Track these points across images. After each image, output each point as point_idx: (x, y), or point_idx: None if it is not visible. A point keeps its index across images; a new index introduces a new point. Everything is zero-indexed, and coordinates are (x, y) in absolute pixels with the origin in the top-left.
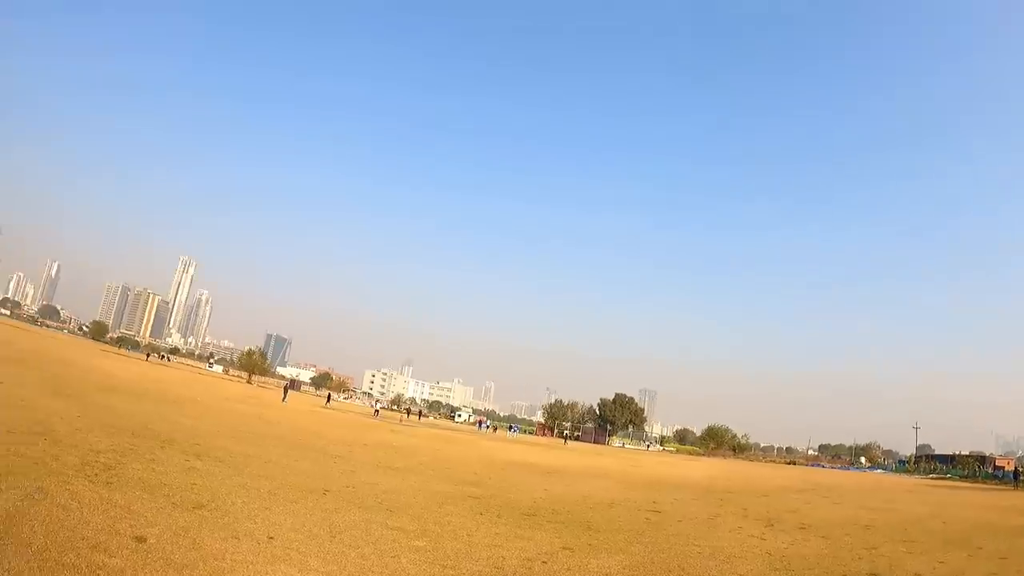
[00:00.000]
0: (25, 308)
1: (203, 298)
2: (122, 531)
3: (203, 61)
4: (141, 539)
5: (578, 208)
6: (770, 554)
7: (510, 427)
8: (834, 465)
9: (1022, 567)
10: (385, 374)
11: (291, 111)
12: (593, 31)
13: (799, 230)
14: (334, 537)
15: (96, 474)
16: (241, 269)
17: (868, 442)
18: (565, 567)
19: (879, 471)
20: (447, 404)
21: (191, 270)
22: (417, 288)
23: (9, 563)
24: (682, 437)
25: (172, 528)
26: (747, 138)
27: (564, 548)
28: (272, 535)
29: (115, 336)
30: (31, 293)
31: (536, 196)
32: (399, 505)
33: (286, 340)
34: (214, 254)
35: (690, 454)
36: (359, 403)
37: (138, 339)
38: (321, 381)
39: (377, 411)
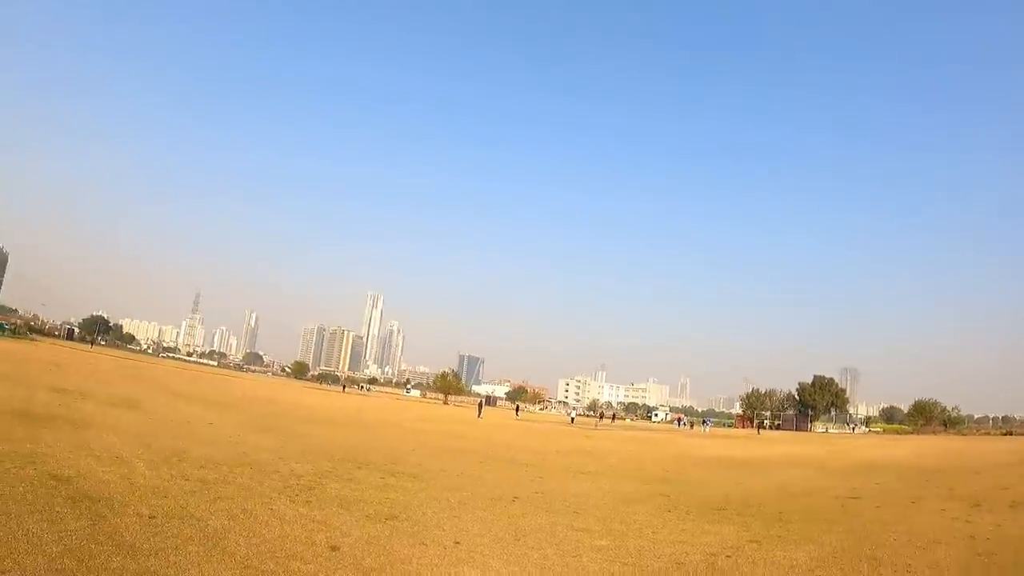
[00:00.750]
0: (230, 357)
1: (394, 328)
2: (318, 541)
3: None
4: (335, 548)
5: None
6: (973, 537)
7: (704, 421)
8: None
9: None
10: (579, 381)
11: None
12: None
13: None
14: (518, 540)
15: (296, 494)
16: (428, 295)
17: None
18: (750, 560)
19: None
20: (643, 405)
21: (379, 303)
22: (603, 294)
23: (215, 571)
24: (889, 416)
25: (364, 538)
26: None
27: (751, 541)
28: (458, 540)
29: (316, 374)
30: (235, 343)
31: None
32: (586, 507)
33: (479, 359)
34: (400, 283)
35: (897, 433)
36: (555, 412)
37: (337, 374)
38: (515, 395)
39: (573, 418)
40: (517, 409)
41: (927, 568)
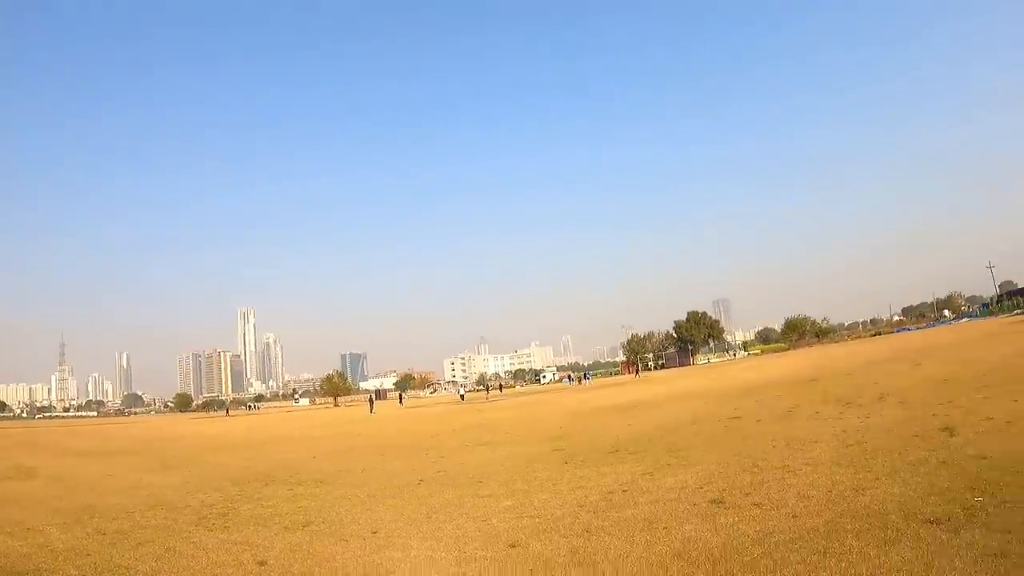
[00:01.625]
0: (109, 403)
1: (271, 340)
2: (245, 561)
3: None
4: (263, 562)
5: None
6: (845, 431)
7: (584, 375)
8: (919, 325)
9: None
10: (463, 358)
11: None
12: None
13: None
14: (430, 517)
15: (213, 523)
16: (298, 302)
17: (948, 294)
18: (643, 490)
19: (965, 320)
20: (530, 370)
21: (251, 319)
22: (474, 265)
23: None
24: (765, 337)
25: (287, 547)
26: None
27: (644, 474)
28: (375, 530)
29: (200, 402)
30: (110, 388)
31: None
32: (488, 476)
33: (361, 355)
34: (269, 296)
35: (775, 352)
36: (446, 393)
37: (223, 398)
38: (404, 384)
39: (462, 395)
40: (400, 398)
41: (804, 465)
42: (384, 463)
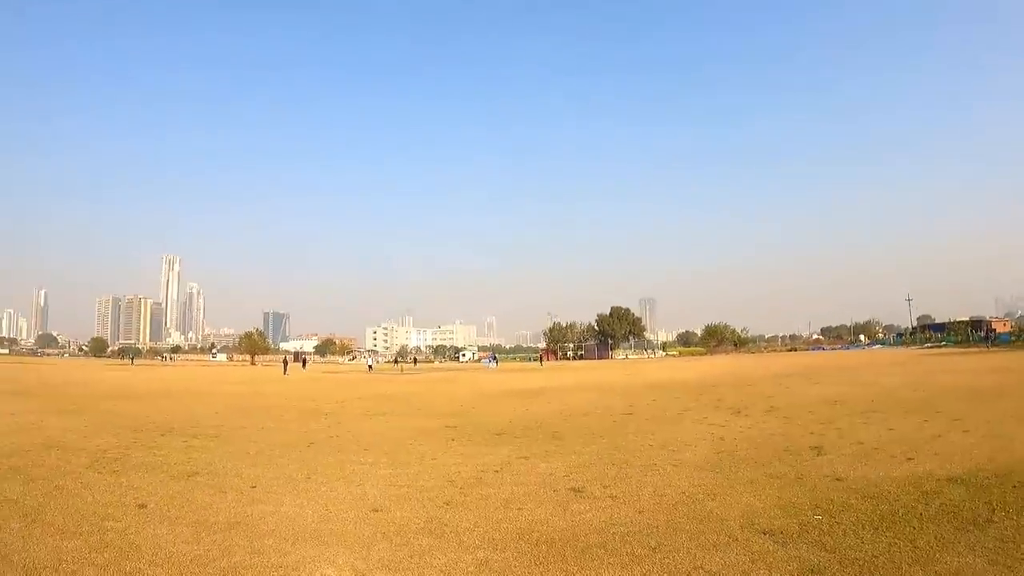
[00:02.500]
0: (22, 342)
1: (194, 291)
2: (127, 503)
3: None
4: (143, 505)
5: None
6: (722, 439)
7: (492, 357)
8: (835, 346)
9: (968, 426)
10: (386, 328)
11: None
12: None
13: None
14: (309, 478)
15: (104, 466)
16: (225, 255)
17: (867, 320)
18: (514, 472)
19: (878, 347)
20: (451, 346)
21: (176, 267)
22: (406, 238)
23: (37, 540)
24: (685, 340)
25: (169, 494)
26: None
27: (521, 457)
28: (255, 484)
29: (116, 348)
30: (25, 326)
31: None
32: (376, 444)
33: (284, 315)
34: (195, 246)
35: (692, 355)
36: (365, 362)
37: (139, 346)
38: (324, 348)
39: (370, 366)
40: (304, 362)
41: (670, 465)
42: (282, 424)
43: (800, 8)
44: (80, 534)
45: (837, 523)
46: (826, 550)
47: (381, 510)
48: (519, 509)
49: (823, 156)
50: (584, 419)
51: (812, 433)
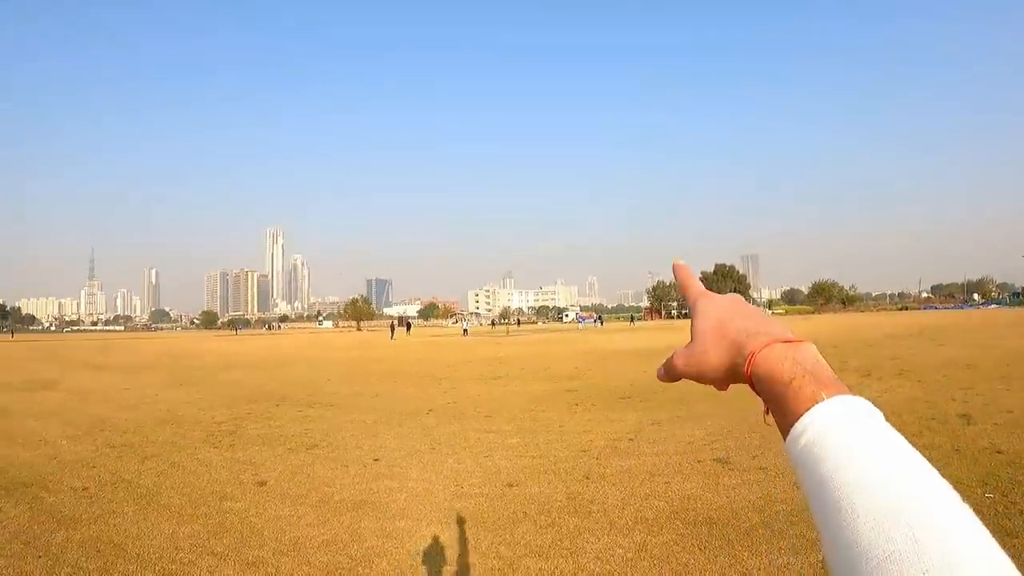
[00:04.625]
0: (136, 319)
1: (298, 262)
2: (245, 480)
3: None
4: (262, 483)
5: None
6: None
7: (581, 318)
8: (947, 305)
9: None
10: (488, 291)
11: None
12: None
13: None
14: (433, 449)
15: (219, 441)
16: (327, 225)
17: (980, 277)
18: (650, 441)
19: (993, 306)
20: (554, 307)
21: (280, 239)
22: (506, 199)
23: (153, 525)
24: (790, 298)
25: (289, 469)
26: None
27: (652, 423)
28: (377, 457)
29: (226, 320)
30: (138, 304)
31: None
32: (497, 411)
33: (387, 281)
34: (299, 218)
35: (799, 314)
36: (471, 324)
37: (248, 317)
38: (427, 312)
39: (465, 330)
40: (408, 327)
41: None
42: (396, 389)
43: None
44: (198, 517)
45: (1011, 503)
46: (1008, 534)
47: (516, 485)
48: (666, 483)
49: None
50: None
51: (954, 400)
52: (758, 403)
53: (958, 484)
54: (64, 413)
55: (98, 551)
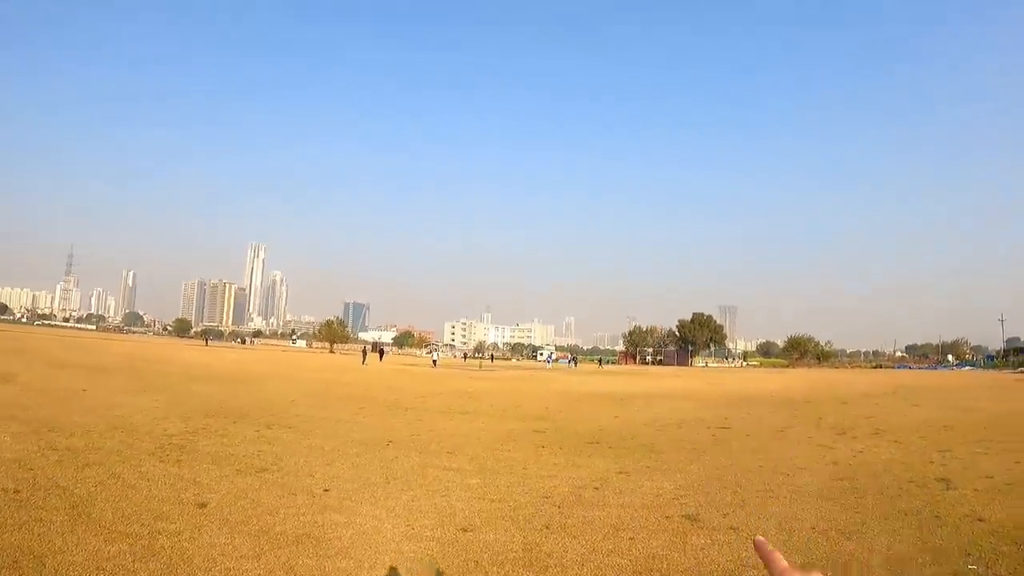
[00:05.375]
0: (110, 319)
1: (278, 278)
2: (185, 500)
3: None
4: (202, 505)
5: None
6: (836, 463)
7: (548, 356)
8: (921, 365)
9: None
10: (464, 324)
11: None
12: None
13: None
14: (388, 483)
15: (167, 455)
16: (310, 245)
17: (955, 339)
18: (616, 491)
19: (967, 368)
20: (529, 345)
21: (261, 254)
22: (490, 235)
23: (80, 539)
24: (766, 351)
25: (233, 492)
26: None
27: (620, 472)
28: (328, 488)
29: (199, 330)
30: (113, 305)
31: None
32: (461, 447)
33: (364, 305)
34: (282, 235)
35: (774, 367)
36: (441, 355)
37: (221, 328)
38: (403, 340)
39: (435, 361)
40: (381, 353)
41: (788, 493)
42: (361, 417)
43: None
44: (128, 536)
45: (995, 575)
46: None
47: (471, 530)
48: (631, 539)
49: (914, 173)
50: (679, 431)
51: (932, 462)
52: (735, 456)
53: (939, 553)
54: (13, 408)
55: (15, 562)
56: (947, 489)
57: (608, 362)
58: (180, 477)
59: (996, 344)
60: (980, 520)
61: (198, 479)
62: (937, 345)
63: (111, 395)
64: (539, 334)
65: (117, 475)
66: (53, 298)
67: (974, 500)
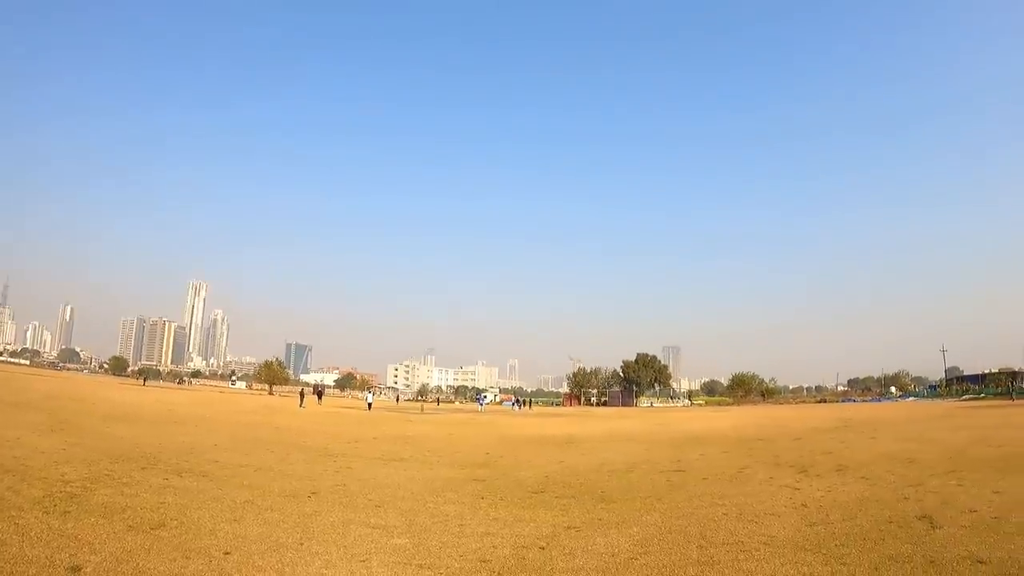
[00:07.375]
0: (45, 355)
1: (219, 318)
2: (58, 562)
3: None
4: (76, 569)
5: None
6: (805, 505)
7: (480, 398)
8: (864, 398)
9: None
10: (408, 366)
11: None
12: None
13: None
14: (302, 544)
15: (55, 505)
16: (253, 285)
17: (897, 371)
18: (565, 551)
19: (911, 399)
20: (472, 388)
21: (202, 292)
22: (433, 278)
23: None
24: (710, 389)
25: (116, 554)
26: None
27: (568, 527)
28: (229, 550)
29: (136, 369)
30: (48, 340)
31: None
32: (391, 499)
33: (306, 347)
34: (224, 275)
35: (719, 405)
36: (384, 398)
37: (160, 368)
38: (345, 382)
39: (370, 404)
40: (320, 395)
41: (761, 545)
42: (286, 464)
43: None
44: None
45: None
46: None
47: None
48: None
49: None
50: (630, 476)
51: (906, 498)
52: (695, 503)
53: None
54: None
55: None
56: (932, 528)
57: (554, 404)
58: (62, 533)
59: (936, 375)
60: (980, 562)
61: (81, 536)
62: (879, 378)
63: (16, 434)
64: (483, 376)
65: None
66: None
67: (966, 539)
